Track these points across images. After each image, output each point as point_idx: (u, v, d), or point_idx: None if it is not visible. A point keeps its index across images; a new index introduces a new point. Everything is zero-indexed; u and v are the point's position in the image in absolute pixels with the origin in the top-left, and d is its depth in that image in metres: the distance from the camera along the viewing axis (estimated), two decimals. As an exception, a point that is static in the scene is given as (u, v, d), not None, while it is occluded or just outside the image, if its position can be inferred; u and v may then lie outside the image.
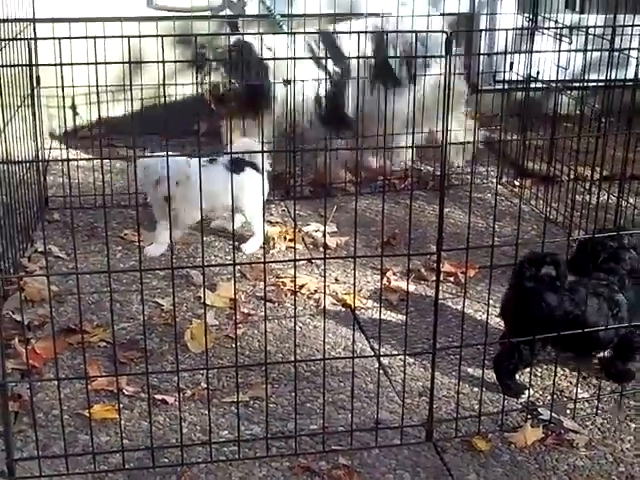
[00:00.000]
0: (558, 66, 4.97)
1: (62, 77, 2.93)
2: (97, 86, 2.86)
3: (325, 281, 3.99)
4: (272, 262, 4.70)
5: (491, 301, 3.78)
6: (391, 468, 3.31)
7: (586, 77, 5.36)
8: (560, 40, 5.52)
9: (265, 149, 5.11)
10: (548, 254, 3.70)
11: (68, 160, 2.77)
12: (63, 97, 4.17)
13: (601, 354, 3.88)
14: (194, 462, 3.30)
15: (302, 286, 4.53)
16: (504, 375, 3.74)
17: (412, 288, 4.54)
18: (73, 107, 5.84)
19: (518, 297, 3.69)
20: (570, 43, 5.43)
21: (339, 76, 5.61)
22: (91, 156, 5.71)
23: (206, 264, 4.43)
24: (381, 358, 3.95)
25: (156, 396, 3.62)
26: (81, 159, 5.36)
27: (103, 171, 3.01)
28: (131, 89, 2.95)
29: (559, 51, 5.02)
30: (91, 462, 3.25)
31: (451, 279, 4.69)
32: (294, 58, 5.20)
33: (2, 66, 2.82)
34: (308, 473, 3.26)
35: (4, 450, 3.21)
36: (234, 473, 3.26)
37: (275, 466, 3.29)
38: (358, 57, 5.10)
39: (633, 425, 3.60)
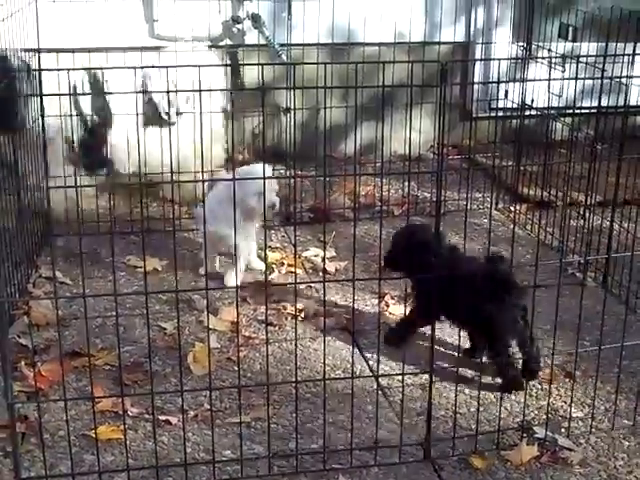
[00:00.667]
0: (551, 94, 5.07)
1: (71, 105, 3.02)
2: (105, 115, 2.95)
3: (325, 304, 4.09)
4: (274, 285, 4.78)
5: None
6: (390, 486, 3.39)
7: (579, 104, 5.47)
8: (553, 68, 5.63)
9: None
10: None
11: (76, 187, 2.85)
12: (71, 127, 4.24)
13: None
14: (198, 481, 3.38)
15: (302, 310, 4.61)
16: (511, 369, 3.95)
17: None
18: (78, 135, 5.93)
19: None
20: (563, 71, 5.53)
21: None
22: (92, 184, 5.82)
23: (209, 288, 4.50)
24: (380, 379, 4.03)
25: (160, 417, 3.69)
26: (84, 186, 5.44)
27: (111, 197, 3.07)
28: (137, 118, 3.03)
29: (550, 79, 5.12)
30: (97, 481, 3.34)
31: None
32: (294, 88, 5.28)
33: (11, 96, 2.92)
34: (309, 491, 3.34)
35: (12, 470, 3.29)
36: (237, 491, 3.34)
37: (277, 484, 3.38)
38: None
39: (626, 443, 3.67)
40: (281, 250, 5.38)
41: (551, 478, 3.45)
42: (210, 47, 6.44)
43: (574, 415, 3.79)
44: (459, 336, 3.78)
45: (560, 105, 5.66)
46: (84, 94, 2.93)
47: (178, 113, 5.43)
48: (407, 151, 6.23)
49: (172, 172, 3.55)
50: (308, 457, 3.51)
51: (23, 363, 4.00)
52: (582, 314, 3.68)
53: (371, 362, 4.20)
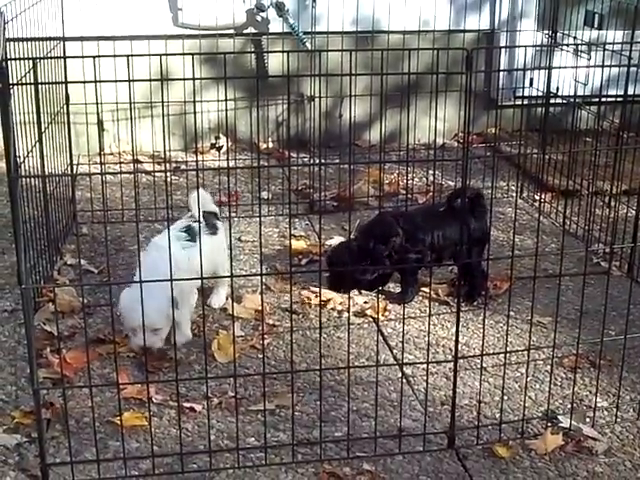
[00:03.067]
0: (577, 82, 5.05)
1: (97, 94, 3.03)
2: (130, 103, 2.95)
3: (349, 292, 4.09)
4: (298, 272, 4.78)
5: (512, 312, 3.85)
6: (414, 474, 3.38)
7: (605, 92, 5.44)
8: (579, 56, 5.60)
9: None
10: None
11: (102, 173, 2.86)
12: (97, 113, 4.25)
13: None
14: (222, 468, 3.38)
15: (328, 301, 4.58)
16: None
17: (437, 301, 4.63)
18: (100, 124, 5.95)
19: None
20: (589, 59, 5.50)
21: None
22: (118, 171, 5.85)
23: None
24: (404, 367, 4.03)
25: (184, 404, 3.70)
26: (109, 173, 5.48)
27: (135, 185, 3.08)
28: (162, 106, 3.05)
29: (576, 67, 5.11)
30: (122, 467, 3.34)
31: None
32: (319, 75, 5.29)
33: (38, 83, 2.93)
34: (333, 478, 3.33)
35: (37, 456, 3.32)
36: (261, 479, 3.33)
37: (301, 472, 3.37)
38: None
39: (652, 433, 3.66)
40: (305, 238, 5.38)
41: (576, 467, 3.43)
42: (235, 35, 6.44)
43: (599, 404, 3.77)
44: (483, 326, 3.77)
45: (586, 93, 5.63)
46: (109, 81, 2.93)
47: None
48: (431, 139, 6.23)
49: (197, 160, 3.56)
50: (332, 445, 3.51)
51: (49, 350, 4.02)
52: (607, 303, 3.67)
53: (395, 351, 4.20)
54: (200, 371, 3.96)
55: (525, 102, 6.41)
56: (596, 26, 5.99)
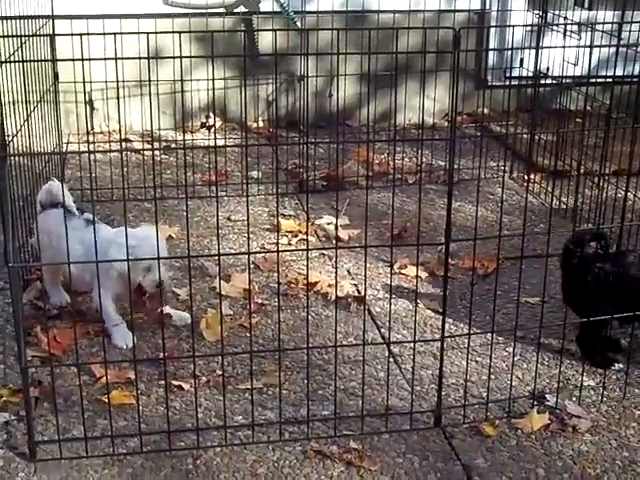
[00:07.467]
0: (567, 62, 5.05)
1: (83, 73, 3.02)
2: (117, 81, 2.95)
3: (337, 271, 4.09)
4: (285, 251, 4.78)
5: (499, 292, 3.86)
6: (400, 452, 3.39)
7: (595, 73, 5.45)
8: (569, 36, 5.60)
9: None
10: (590, 231, 4.09)
11: (90, 152, 2.85)
12: (84, 92, 4.24)
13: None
14: (209, 445, 3.39)
15: (316, 283, 4.58)
16: (591, 353, 3.94)
17: (425, 280, 4.64)
18: (90, 102, 5.94)
19: (570, 277, 3.94)
20: (579, 39, 5.50)
21: None
22: (107, 149, 5.84)
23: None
24: (391, 346, 4.04)
25: (172, 382, 3.71)
26: (98, 151, 5.46)
27: (122, 164, 3.07)
28: (150, 84, 3.04)
29: (564, 47, 5.11)
30: (110, 445, 3.35)
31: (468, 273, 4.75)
32: (307, 54, 5.27)
33: (26, 61, 2.93)
34: (320, 457, 3.35)
35: (26, 433, 3.32)
36: (248, 456, 3.35)
37: (288, 450, 3.39)
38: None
39: (637, 412, 3.67)
40: (294, 218, 5.38)
41: (561, 446, 3.45)
42: (225, 14, 6.42)
43: (585, 384, 3.79)
44: (470, 303, 3.78)
45: (575, 74, 5.63)
46: (97, 59, 2.93)
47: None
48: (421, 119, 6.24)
49: (184, 140, 3.55)
50: (319, 423, 3.53)
51: (39, 328, 4.01)
52: (595, 283, 3.69)
53: (383, 330, 4.21)
54: (188, 349, 3.97)
55: (515, 82, 6.41)
56: (586, 6, 5.99)
